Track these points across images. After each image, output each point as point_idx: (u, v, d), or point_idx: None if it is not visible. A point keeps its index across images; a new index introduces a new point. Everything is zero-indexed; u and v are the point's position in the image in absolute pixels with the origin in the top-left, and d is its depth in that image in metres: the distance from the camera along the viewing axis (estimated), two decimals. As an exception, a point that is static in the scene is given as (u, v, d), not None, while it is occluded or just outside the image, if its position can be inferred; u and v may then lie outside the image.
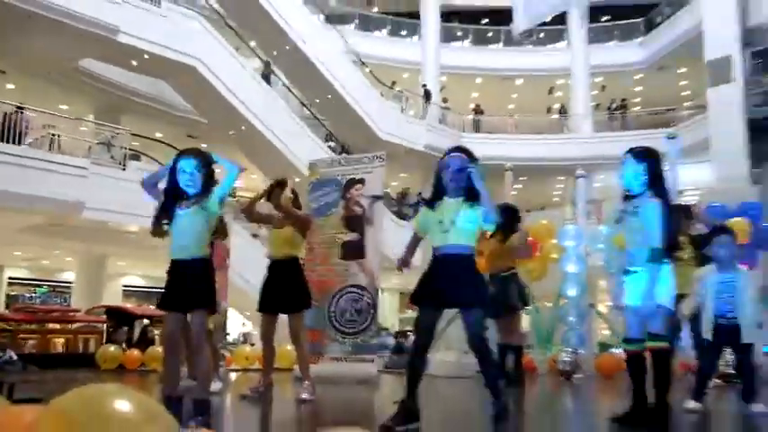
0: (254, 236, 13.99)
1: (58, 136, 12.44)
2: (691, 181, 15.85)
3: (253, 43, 16.88)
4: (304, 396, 4.70)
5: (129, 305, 15.68)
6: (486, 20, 23.74)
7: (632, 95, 23.29)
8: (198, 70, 13.50)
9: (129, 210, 11.98)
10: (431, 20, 22.04)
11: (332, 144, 16.82)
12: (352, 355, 6.96)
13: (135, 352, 9.00)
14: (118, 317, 10.98)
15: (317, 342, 6.87)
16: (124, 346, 9.88)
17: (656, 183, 3.37)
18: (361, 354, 6.96)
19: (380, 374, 7.42)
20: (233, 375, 8.23)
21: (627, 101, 22.92)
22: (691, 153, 16.21)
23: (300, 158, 13.85)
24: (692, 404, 4.08)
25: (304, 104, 17.29)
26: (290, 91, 16.99)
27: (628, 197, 3.45)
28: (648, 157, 3.40)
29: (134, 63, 13.66)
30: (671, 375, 3.39)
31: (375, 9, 23.42)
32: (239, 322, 19.47)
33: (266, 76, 15.63)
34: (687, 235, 5.79)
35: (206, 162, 3.50)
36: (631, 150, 3.48)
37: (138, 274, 21.95)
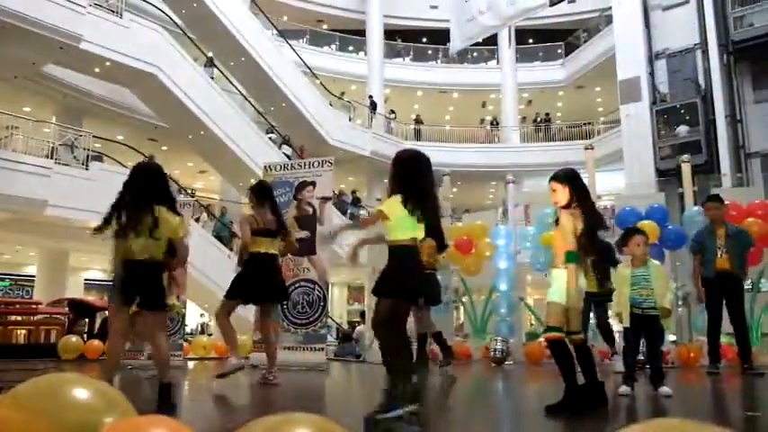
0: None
1: (23, 137, 11.92)
2: (606, 187, 16.40)
3: (210, 54, 16.51)
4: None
5: (91, 298, 15.08)
6: (426, 39, 23.92)
7: (555, 110, 23.91)
8: (158, 78, 13.11)
9: (91, 207, 11.52)
10: (375, 38, 22.07)
11: (286, 152, 16.55)
12: (303, 345, 6.89)
13: (95, 342, 8.64)
14: (79, 309, 10.53)
15: (274, 332, 6.75)
16: (85, 336, 9.50)
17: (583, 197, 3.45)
18: (312, 343, 6.89)
19: (329, 362, 7.35)
20: (191, 364, 8.01)
21: (550, 115, 23.50)
22: (606, 162, 16.78)
23: (256, 161, 13.62)
24: (622, 389, 4.12)
25: (259, 112, 17.01)
26: (246, 99, 16.69)
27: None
28: (573, 179, 3.48)
29: (96, 70, 13.14)
30: (570, 360, 3.41)
31: (325, 26, 23.30)
32: (197, 314, 19.03)
33: (210, 63, 14.97)
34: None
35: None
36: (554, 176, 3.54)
37: (99, 268, 21.18)
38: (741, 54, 14.14)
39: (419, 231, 3.16)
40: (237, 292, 4.91)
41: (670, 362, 6.75)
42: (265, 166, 7.94)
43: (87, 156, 12.58)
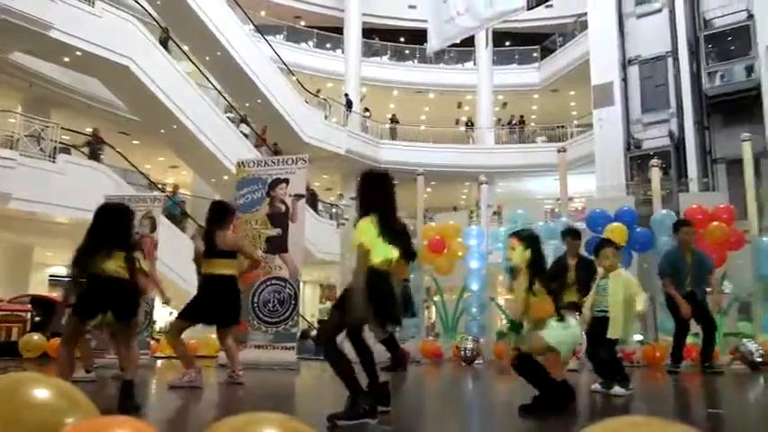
0: (180, 226, 13.52)
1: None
2: (577, 189, 16.63)
3: (186, 47, 16.30)
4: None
5: (55, 294, 14.74)
6: (404, 39, 23.97)
7: (529, 113, 24.16)
8: (130, 70, 12.88)
9: (58, 201, 11.32)
10: (353, 36, 22.03)
11: (244, 131, 16.32)
12: (274, 343, 6.85)
13: (57, 340, 8.45)
14: (43, 306, 10.28)
15: (239, 332, 6.69)
16: (48, 334, 9.27)
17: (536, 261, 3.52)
18: (283, 342, 6.85)
19: (300, 361, 7.33)
20: (159, 363, 7.90)
21: (525, 117, 23.74)
22: (578, 165, 17.02)
23: (229, 157, 13.49)
24: (616, 389, 4.16)
25: (233, 107, 16.84)
26: (221, 94, 16.52)
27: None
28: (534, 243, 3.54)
29: (66, 60, 12.87)
30: (536, 364, 3.47)
31: (302, 23, 23.18)
32: (167, 312, 18.73)
33: (164, 43, 14.74)
34: (577, 256, 6.00)
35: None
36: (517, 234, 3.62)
37: (65, 264, 20.71)
38: (710, 61, 14.48)
39: (392, 252, 3.11)
40: (191, 315, 4.86)
41: (636, 361, 6.88)
42: (238, 163, 7.87)
43: (54, 148, 12.30)
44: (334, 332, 3.22)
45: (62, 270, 21.07)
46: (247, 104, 17.18)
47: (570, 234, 6.13)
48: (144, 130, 15.81)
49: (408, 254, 5.79)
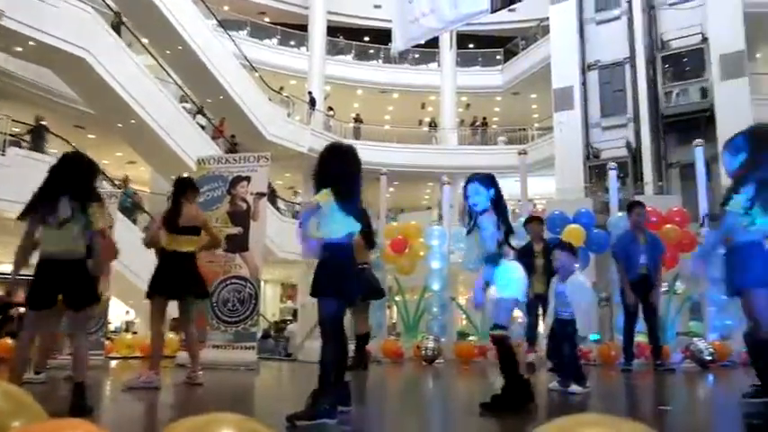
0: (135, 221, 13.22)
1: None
2: (538, 191, 16.92)
3: (146, 40, 15.94)
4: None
5: (1, 292, 14.22)
6: (368, 38, 23.97)
7: (492, 115, 24.46)
8: (86, 62, 12.52)
9: (8, 196, 10.90)
10: (318, 34, 21.92)
11: (201, 122, 16.05)
12: (233, 343, 6.76)
13: (8, 340, 8.16)
14: (-7, 306, 9.92)
15: (200, 330, 6.60)
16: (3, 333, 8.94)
17: (499, 202, 3.51)
18: (243, 342, 6.77)
19: (260, 361, 7.26)
20: (113, 364, 7.71)
21: (487, 119, 24.01)
22: (539, 167, 17.31)
23: (189, 154, 13.25)
24: (573, 387, 4.22)
25: (194, 102, 16.55)
26: (181, 89, 16.22)
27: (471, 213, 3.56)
28: (494, 183, 3.52)
29: (18, 49, 12.44)
30: (513, 356, 3.51)
31: (266, 19, 22.94)
32: (122, 311, 18.30)
33: (116, 27, 14.27)
34: (542, 241, 6.14)
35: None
36: (477, 176, 3.57)
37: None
38: (666, 68, 14.94)
39: (353, 226, 3.14)
40: (156, 288, 4.74)
41: (592, 360, 7.04)
42: (199, 160, 7.74)
43: (4, 141, 11.88)
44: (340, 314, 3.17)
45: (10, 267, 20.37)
46: (209, 100, 16.92)
47: (533, 220, 6.23)
48: (100, 123, 15.40)
49: (368, 240, 5.82)
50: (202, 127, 15.46)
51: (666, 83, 14.73)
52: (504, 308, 3.48)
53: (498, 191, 3.49)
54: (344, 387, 3.23)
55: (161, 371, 4.76)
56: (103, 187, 12.09)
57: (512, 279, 3.45)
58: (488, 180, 3.49)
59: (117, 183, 14.25)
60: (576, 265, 4.61)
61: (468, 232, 3.58)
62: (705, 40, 14.54)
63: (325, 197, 3.04)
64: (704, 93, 14.23)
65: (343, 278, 3.09)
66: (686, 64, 14.73)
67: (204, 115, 16.44)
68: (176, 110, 14.91)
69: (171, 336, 7.58)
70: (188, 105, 16.14)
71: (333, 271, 3.07)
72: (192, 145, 14.07)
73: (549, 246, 5.77)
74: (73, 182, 3.46)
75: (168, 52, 15.71)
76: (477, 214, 3.47)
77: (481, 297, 3.57)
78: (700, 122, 13.94)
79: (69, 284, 3.38)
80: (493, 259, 3.41)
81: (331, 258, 3.07)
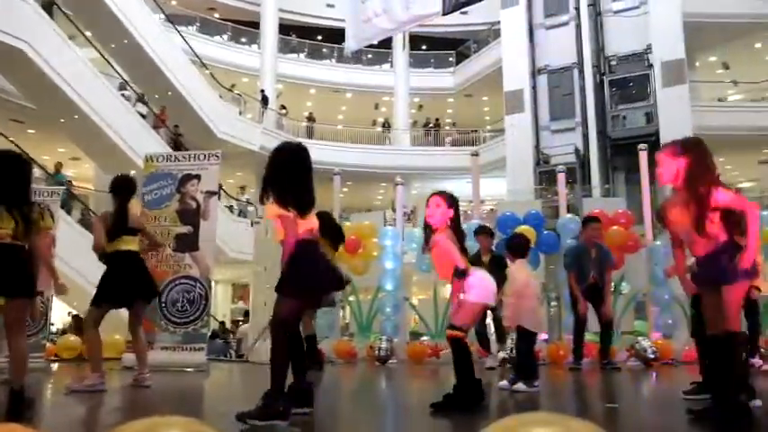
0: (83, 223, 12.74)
1: None
2: (489, 192, 17.18)
3: (89, 33, 15.40)
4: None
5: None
6: (321, 37, 23.87)
7: (445, 116, 24.71)
8: (26, 54, 11.98)
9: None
10: (269, 31, 21.67)
11: (141, 111, 15.59)
12: (182, 344, 6.61)
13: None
14: None
15: (146, 332, 6.42)
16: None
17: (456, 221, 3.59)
18: (192, 343, 6.63)
19: (210, 362, 7.11)
20: (54, 366, 7.41)
21: (440, 120, 24.25)
22: (490, 169, 17.59)
23: (135, 150, 12.87)
24: (519, 385, 4.29)
25: (133, 89, 15.97)
26: (128, 84, 15.73)
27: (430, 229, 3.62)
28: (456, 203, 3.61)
29: (-49, 39, 11.80)
30: (468, 356, 3.56)
31: (216, 15, 22.53)
32: (64, 312, 17.62)
33: (47, 8, 13.59)
34: (490, 253, 6.23)
35: None
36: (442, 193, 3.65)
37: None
38: (611, 74, 15.43)
39: (314, 222, 3.16)
40: (105, 297, 4.59)
41: (542, 359, 7.18)
42: (147, 157, 7.54)
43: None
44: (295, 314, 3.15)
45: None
46: (156, 96, 16.49)
47: (483, 232, 6.33)
48: (41, 118, 14.76)
49: (335, 235, 5.82)
50: (143, 116, 14.99)
51: (614, 107, 15.20)
52: (468, 310, 3.52)
53: (458, 214, 3.57)
54: (307, 388, 3.21)
55: (106, 373, 4.60)
56: (43, 183, 11.64)
57: (482, 285, 3.52)
58: (451, 199, 3.58)
59: (50, 172, 13.61)
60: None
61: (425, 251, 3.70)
62: (648, 47, 15.08)
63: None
64: (650, 118, 14.69)
65: (316, 278, 3.10)
66: (632, 88, 15.23)
67: (145, 103, 15.93)
68: (122, 105, 14.44)
69: (117, 337, 7.35)
70: (127, 92, 15.56)
71: (304, 271, 3.05)
72: (138, 141, 13.68)
73: (497, 258, 5.88)
74: (5, 189, 3.24)
75: (113, 46, 15.21)
76: (430, 232, 3.56)
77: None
78: (644, 129, 14.45)
79: (3, 274, 3.14)
80: (459, 274, 3.47)
81: (300, 257, 3.05)
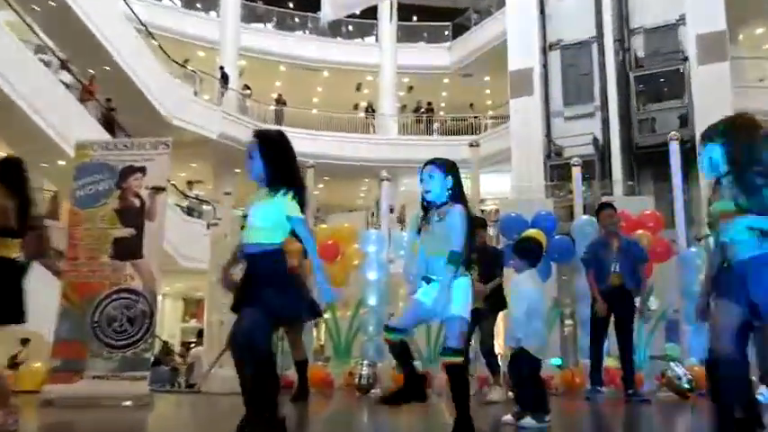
0: None
1: None
2: (491, 190, 17.18)
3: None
4: None
5: None
6: (292, 4, 23.80)
7: (439, 100, 24.71)
8: None
9: None
10: (231, -5, 21.57)
11: (65, 79, 15.31)
12: (120, 372, 6.44)
13: None
14: None
15: (73, 358, 6.27)
16: None
17: (461, 193, 3.62)
18: (132, 370, 6.46)
19: (153, 394, 6.96)
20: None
21: (433, 105, 24.24)
22: (492, 162, 17.58)
23: (66, 137, 12.62)
24: (527, 420, 4.24)
25: (54, 54, 15.60)
26: (53, 53, 15.39)
27: (428, 206, 3.64)
28: (454, 171, 3.66)
29: None
30: (468, 389, 3.53)
31: (168, -25, 22.36)
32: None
33: None
34: (478, 250, 6.14)
35: None
36: (435, 162, 3.68)
37: None
38: (638, 51, 15.46)
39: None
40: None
41: (554, 388, 7.12)
42: (78, 144, 7.39)
43: None
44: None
45: None
46: (91, 71, 16.25)
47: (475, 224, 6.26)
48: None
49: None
50: (67, 86, 14.73)
51: (641, 108, 15.15)
52: (461, 328, 3.46)
53: (458, 182, 3.60)
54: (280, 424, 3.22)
55: (17, 409, 4.40)
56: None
57: (466, 295, 3.48)
58: (445, 166, 3.63)
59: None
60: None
61: (419, 231, 3.63)
62: (681, 18, 15.11)
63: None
64: (684, 121, 14.63)
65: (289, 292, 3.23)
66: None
67: (69, 71, 15.64)
68: (51, 82, 14.16)
69: (37, 365, 7.19)
70: (46, 57, 15.23)
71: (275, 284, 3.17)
72: (72, 125, 13.39)
73: (488, 250, 5.97)
74: None
75: (36, 8, 14.86)
76: (435, 207, 3.57)
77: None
78: (674, 114, 14.48)
79: None
80: (456, 261, 3.41)
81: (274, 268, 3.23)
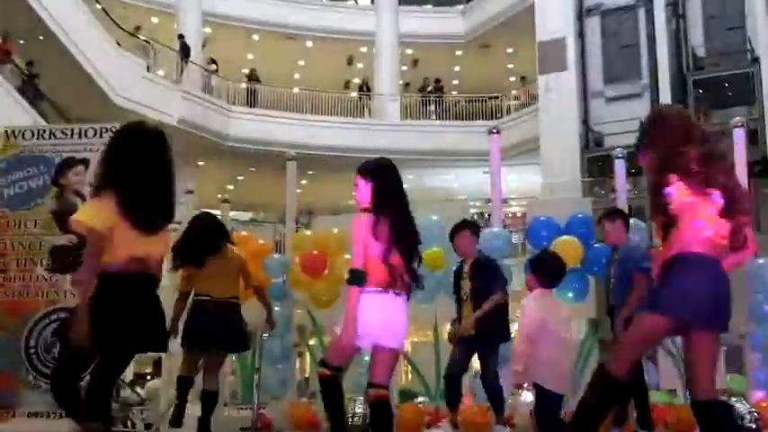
0: None
1: None
2: (516, 188, 17.27)
3: None
4: None
5: None
6: (270, -42, 23.90)
7: (450, 76, 24.76)
8: None
9: None
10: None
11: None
12: (57, 409, 6.55)
13: None
14: None
15: (4, 391, 6.36)
16: None
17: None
18: (74, 407, 6.57)
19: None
20: None
21: (443, 82, 24.30)
22: (517, 153, 17.68)
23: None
24: None
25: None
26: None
27: None
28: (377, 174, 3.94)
29: None
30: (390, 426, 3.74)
31: None
32: None
33: None
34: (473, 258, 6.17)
35: None
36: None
37: None
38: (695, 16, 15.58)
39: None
40: None
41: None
42: (6, 131, 7.48)
43: None
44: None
45: None
46: (22, 41, 16.36)
47: (464, 227, 6.26)
48: None
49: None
50: None
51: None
52: (338, 348, 3.87)
53: (381, 184, 3.85)
54: None
55: None
56: None
57: (397, 322, 3.78)
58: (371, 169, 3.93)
59: None
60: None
61: None
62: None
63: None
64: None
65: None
66: (728, 89, 15.39)
67: None
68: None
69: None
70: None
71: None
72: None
73: (481, 262, 5.94)
74: None
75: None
76: None
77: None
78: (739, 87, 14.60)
79: None
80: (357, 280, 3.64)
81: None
